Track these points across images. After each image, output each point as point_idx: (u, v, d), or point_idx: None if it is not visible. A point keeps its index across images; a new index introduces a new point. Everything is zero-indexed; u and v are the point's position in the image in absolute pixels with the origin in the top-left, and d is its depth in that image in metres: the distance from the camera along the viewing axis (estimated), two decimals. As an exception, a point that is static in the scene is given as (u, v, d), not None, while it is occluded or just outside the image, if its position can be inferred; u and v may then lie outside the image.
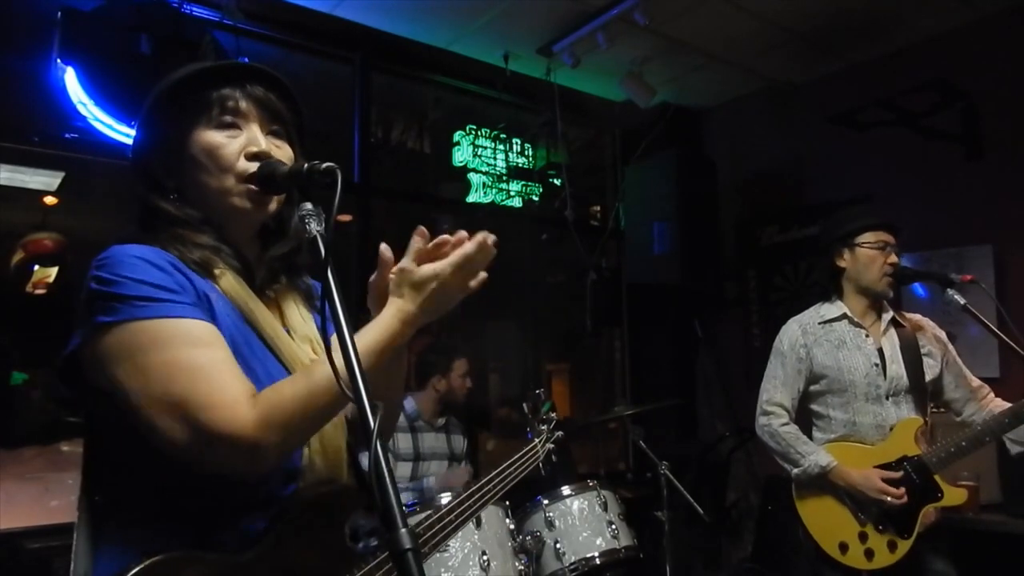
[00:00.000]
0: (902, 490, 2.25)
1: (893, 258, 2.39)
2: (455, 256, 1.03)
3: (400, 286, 1.03)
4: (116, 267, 0.99)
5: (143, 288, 0.98)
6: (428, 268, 1.02)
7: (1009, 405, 2.27)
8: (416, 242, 1.05)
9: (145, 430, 0.95)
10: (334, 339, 0.86)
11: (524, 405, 2.02)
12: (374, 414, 0.81)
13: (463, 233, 1.08)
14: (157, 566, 0.89)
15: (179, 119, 1.11)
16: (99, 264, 1.00)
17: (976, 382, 2.44)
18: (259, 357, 1.07)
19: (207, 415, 0.92)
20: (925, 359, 2.41)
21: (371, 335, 1.01)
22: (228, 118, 1.11)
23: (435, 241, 1.06)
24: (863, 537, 2.29)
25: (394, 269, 1.04)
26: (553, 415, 1.97)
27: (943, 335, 2.49)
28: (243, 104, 1.12)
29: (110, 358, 0.97)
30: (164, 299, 0.98)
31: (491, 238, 1.07)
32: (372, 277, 1.10)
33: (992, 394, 2.42)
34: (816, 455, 2.34)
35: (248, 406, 0.94)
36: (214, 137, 1.10)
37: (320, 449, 1.10)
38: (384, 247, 1.09)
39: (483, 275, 1.08)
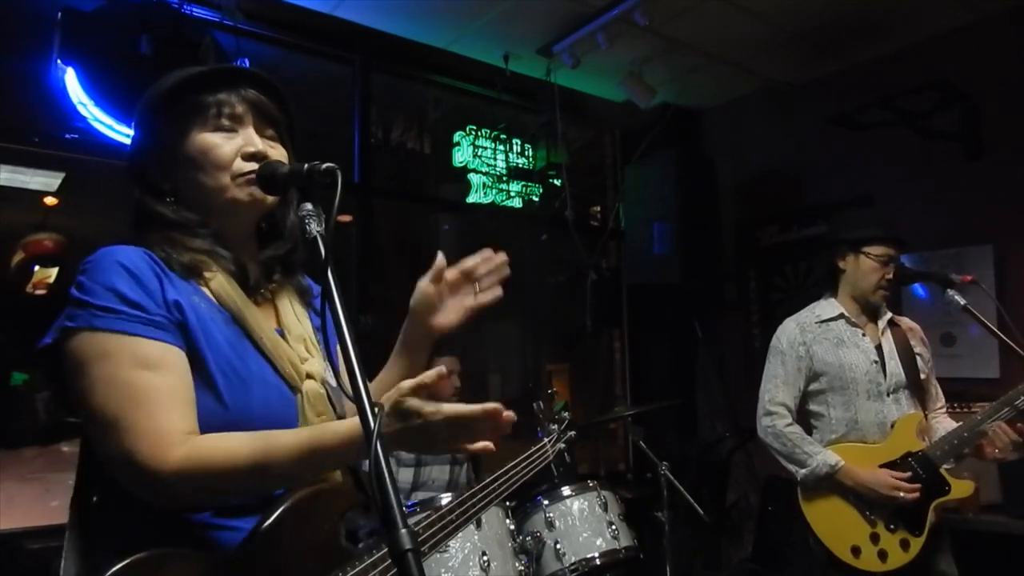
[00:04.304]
0: (916, 485, 2.24)
1: (890, 274, 2.41)
2: (449, 411, 0.96)
3: (387, 401, 0.97)
4: (93, 272, 1.00)
5: (109, 298, 0.98)
6: (416, 403, 0.95)
7: (954, 423, 2.35)
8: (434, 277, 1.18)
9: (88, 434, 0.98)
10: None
11: (535, 405, 2.00)
12: (375, 416, 0.81)
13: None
14: (140, 563, 0.89)
15: (176, 122, 1.12)
16: (82, 268, 1.02)
17: (939, 392, 2.52)
18: (248, 360, 1.07)
19: (131, 440, 0.92)
20: (917, 358, 2.43)
21: (332, 438, 0.96)
22: (225, 121, 1.12)
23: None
24: (875, 538, 2.27)
25: (398, 385, 0.97)
26: (565, 415, 1.95)
27: (927, 341, 2.54)
28: (239, 108, 1.13)
29: (67, 362, 0.98)
30: (124, 312, 0.98)
31: (508, 415, 1.01)
32: (422, 279, 1.21)
33: (945, 412, 2.49)
34: (824, 455, 2.33)
35: (175, 444, 0.93)
36: (211, 138, 1.11)
37: None
38: (440, 256, 1.19)
39: (487, 444, 1.01)
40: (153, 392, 0.95)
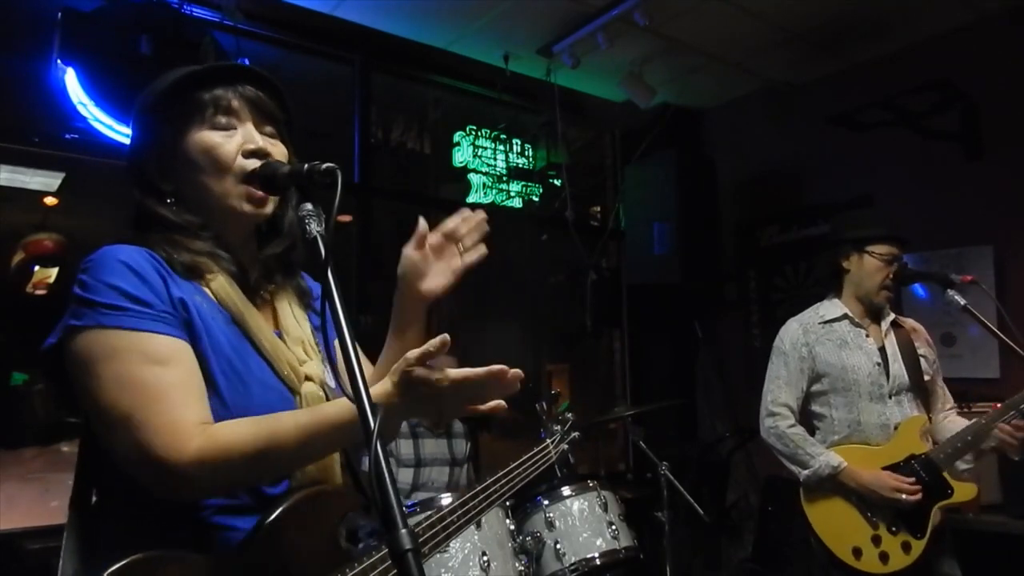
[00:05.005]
0: (917, 487, 2.24)
1: (891, 274, 2.41)
2: (456, 376, 0.98)
3: (395, 373, 0.98)
4: (96, 271, 1.00)
5: (114, 296, 0.98)
6: (423, 372, 0.97)
7: (966, 423, 2.33)
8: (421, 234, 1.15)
9: (97, 434, 0.97)
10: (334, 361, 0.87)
11: (538, 405, 1.99)
12: (374, 415, 0.81)
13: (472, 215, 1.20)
14: (137, 564, 0.89)
15: (173, 122, 1.11)
16: (84, 267, 1.01)
17: (946, 392, 2.49)
18: (248, 361, 1.07)
19: (146, 436, 0.92)
20: (921, 359, 2.43)
21: (347, 411, 0.96)
22: (222, 119, 1.11)
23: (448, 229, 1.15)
24: (876, 540, 2.27)
25: (404, 356, 0.98)
26: (569, 416, 1.94)
27: (931, 342, 2.53)
28: (236, 104, 1.12)
29: (72, 361, 0.98)
30: (131, 309, 0.98)
31: (513, 373, 1.04)
32: (406, 246, 1.19)
33: (955, 412, 2.48)
34: (826, 456, 2.33)
35: (191, 436, 0.93)
36: (210, 137, 1.10)
37: None
38: (422, 221, 1.18)
39: (498, 403, 1.05)
40: (165, 387, 0.95)
